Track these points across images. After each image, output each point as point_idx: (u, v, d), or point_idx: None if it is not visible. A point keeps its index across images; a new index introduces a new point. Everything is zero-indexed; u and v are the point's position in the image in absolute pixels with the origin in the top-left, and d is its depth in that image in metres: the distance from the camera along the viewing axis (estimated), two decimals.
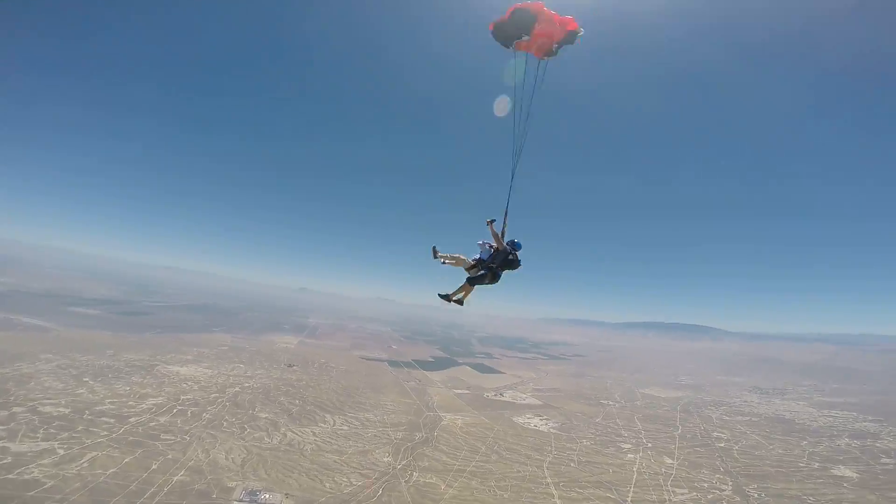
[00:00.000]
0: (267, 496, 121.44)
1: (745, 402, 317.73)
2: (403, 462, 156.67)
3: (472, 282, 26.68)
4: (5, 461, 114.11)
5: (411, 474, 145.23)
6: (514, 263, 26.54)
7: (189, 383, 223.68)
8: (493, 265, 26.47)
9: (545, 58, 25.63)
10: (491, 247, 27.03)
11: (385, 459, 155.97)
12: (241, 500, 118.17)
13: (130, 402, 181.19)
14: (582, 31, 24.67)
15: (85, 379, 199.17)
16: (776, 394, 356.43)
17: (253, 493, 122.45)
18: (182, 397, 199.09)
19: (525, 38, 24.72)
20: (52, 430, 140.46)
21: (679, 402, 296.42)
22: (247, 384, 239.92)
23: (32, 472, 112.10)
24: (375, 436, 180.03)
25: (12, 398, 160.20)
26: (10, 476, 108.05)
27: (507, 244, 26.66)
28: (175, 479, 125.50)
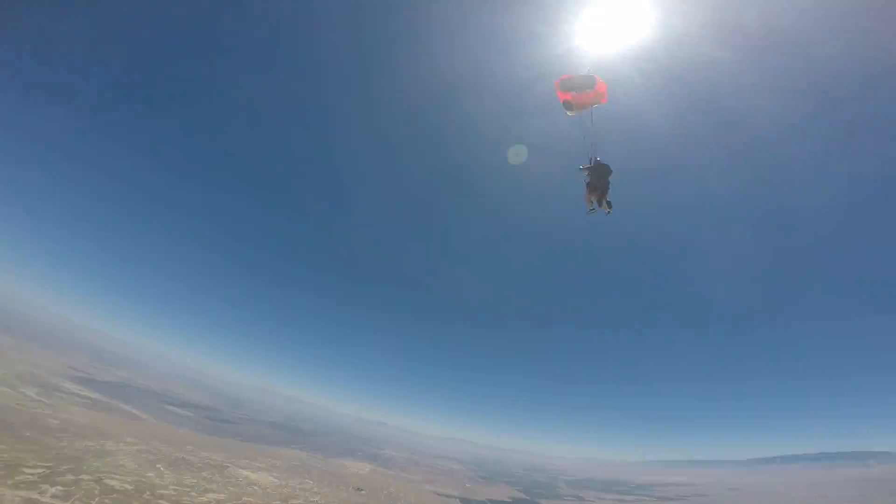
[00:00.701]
0: None
1: None
2: None
3: (587, 186, 39.60)
4: None
5: None
6: (602, 167, 38.67)
7: (254, 487, 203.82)
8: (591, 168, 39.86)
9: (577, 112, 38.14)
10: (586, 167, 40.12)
11: None
12: None
13: (192, 493, 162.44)
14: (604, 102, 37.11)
15: (158, 465, 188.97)
16: None
17: None
18: (244, 498, 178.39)
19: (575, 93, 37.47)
20: (106, 501, 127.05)
21: None
22: (311, 499, 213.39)
23: None
24: None
25: (84, 467, 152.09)
26: None
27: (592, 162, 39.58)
28: None
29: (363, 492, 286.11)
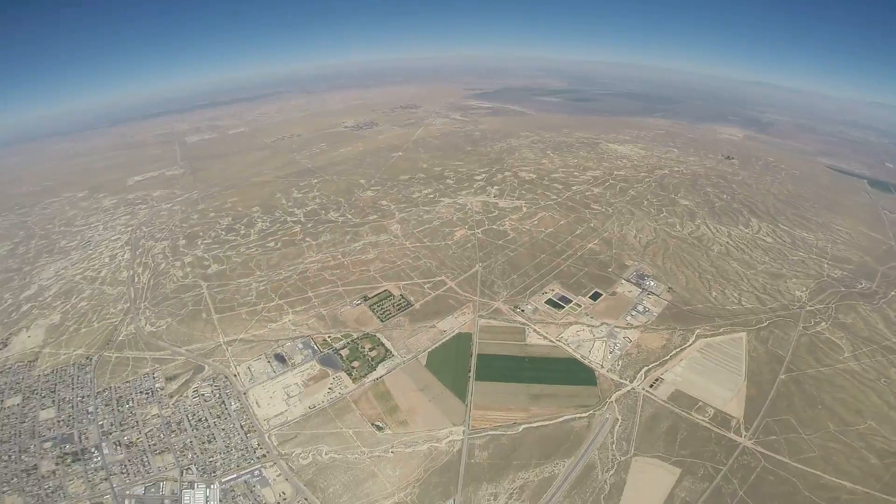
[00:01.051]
0: (652, 283, 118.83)
1: None
2: (819, 306, 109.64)
3: None
4: (495, 213, 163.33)
5: (818, 324, 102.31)
6: None
7: (623, 160, 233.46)
8: None
9: None
10: None
11: (797, 293, 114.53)
12: (629, 279, 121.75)
13: (575, 173, 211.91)
14: None
15: (547, 151, 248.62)
16: None
17: (642, 276, 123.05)
18: (615, 172, 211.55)
19: None
20: (523, 192, 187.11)
21: None
22: (676, 168, 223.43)
23: (504, 224, 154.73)
24: (803, 262, 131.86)
25: (504, 165, 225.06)
26: (493, 226, 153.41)
27: None
28: (588, 246, 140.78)
29: (734, 161, 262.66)
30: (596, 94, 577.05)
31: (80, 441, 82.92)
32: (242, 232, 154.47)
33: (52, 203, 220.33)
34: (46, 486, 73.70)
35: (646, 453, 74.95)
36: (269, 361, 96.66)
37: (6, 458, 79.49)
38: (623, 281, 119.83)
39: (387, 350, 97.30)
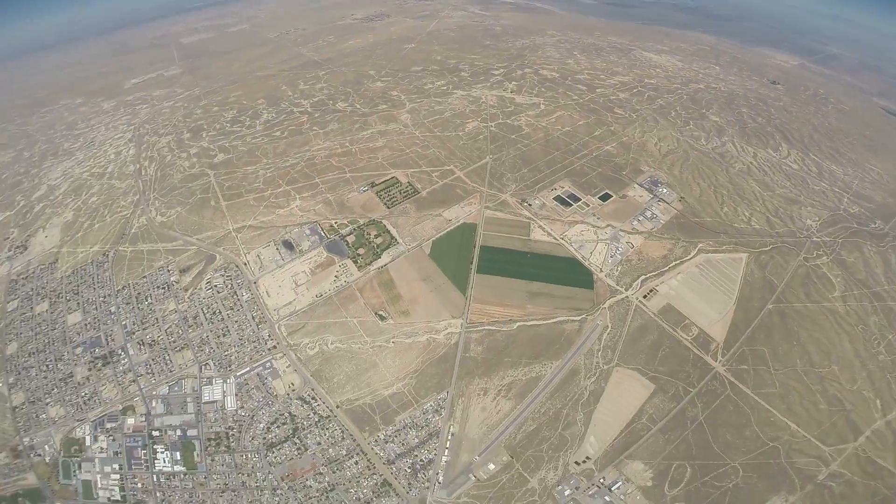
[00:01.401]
0: (665, 191, 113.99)
1: None
2: (826, 238, 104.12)
3: None
4: (511, 108, 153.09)
5: (819, 257, 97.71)
6: None
7: (657, 70, 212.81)
8: None
9: None
10: None
11: (809, 222, 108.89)
12: (642, 184, 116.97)
13: (602, 76, 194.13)
14: None
15: (574, 52, 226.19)
16: None
17: (655, 182, 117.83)
18: (646, 80, 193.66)
19: None
20: (543, 89, 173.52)
21: None
22: (713, 85, 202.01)
23: (520, 119, 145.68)
24: (823, 193, 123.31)
25: (525, 62, 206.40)
26: (507, 120, 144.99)
27: None
28: (606, 148, 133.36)
29: (779, 86, 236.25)
30: (639, 2, 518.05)
31: (108, 343, 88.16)
32: (248, 123, 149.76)
33: (49, 111, 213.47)
34: (83, 394, 79.68)
35: (627, 364, 77.08)
36: (277, 248, 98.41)
37: (45, 367, 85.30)
38: (636, 185, 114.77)
39: (392, 237, 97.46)
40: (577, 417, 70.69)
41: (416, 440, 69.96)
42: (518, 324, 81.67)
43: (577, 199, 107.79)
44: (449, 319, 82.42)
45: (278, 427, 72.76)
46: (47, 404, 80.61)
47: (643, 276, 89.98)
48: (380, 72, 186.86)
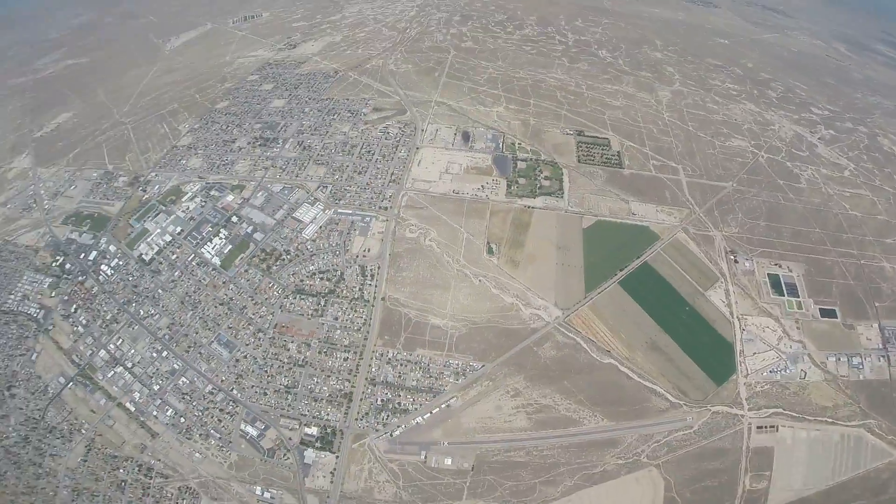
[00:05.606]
0: None
1: None
2: None
3: None
4: (803, 154, 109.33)
5: None
6: None
7: None
8: None
9: None
10: None
11: None
12: (885, 328, 73.48)
13: None
14: None
15: None
16: None
17: None
18: None
19: None
20: (868, 159, 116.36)
21: None
22: None
23: (806, 171, 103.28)
24: None
25: (875, 124, 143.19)
26: (788, 162, 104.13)
27: None
28: (884, 265, 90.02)
29: None
30: None
31: (278, 132, 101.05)
32: (509, 30, 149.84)
33: None
34: (226, 159, 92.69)
35: (663, 470, 53.94)
36: (455, 133, 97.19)
37: (226, 126, 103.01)
38: (876, 325, 76.06)
39: (560, 188, 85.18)
40: (559, 489, 56.74)
41: (413, 383, 63.28)
42: (608, 361, 64.91)
43: (794, 294, 75.12)
44: (550, 304, 69.46)
45: (320, 279, 72.15)
46: (197, 154, 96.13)
47: (779, 409, 62.42)
48: (666, 45, 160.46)
